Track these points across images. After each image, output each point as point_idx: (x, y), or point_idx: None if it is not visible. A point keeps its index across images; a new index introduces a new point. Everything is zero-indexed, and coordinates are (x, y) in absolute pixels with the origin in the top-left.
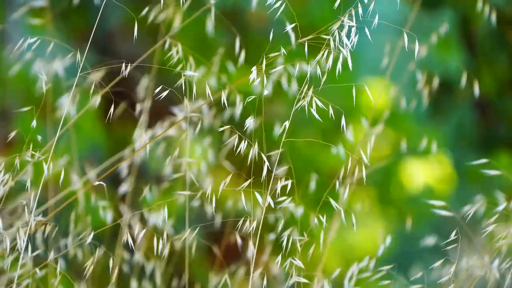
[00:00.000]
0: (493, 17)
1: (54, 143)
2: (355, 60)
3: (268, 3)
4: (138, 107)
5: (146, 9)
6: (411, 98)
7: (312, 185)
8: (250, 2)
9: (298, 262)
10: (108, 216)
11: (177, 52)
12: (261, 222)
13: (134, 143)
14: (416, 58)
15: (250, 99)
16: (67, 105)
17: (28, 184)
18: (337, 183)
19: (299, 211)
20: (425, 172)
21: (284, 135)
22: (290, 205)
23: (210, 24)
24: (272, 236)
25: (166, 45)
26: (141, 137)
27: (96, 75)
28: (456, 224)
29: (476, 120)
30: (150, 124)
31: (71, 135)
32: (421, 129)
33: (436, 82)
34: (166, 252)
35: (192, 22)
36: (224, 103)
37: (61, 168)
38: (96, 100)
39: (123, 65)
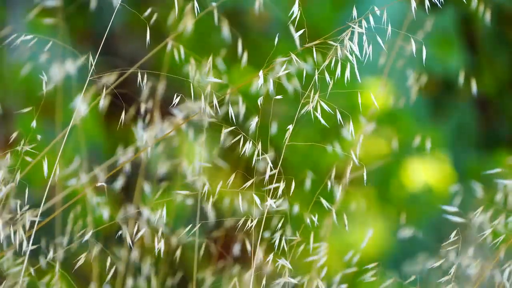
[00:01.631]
0: (488, 15)
1: (62, 144)
2: (355, 60)
3: (291, 12)
4: (140, 107)
5: (149, 10)
6: (411, 98)
7: (313, 185)
8: (250, 3)
9: (286, 262)
10: (107, 215)
11: (179, 54)
12: (263, 223)
13: (135, 143)
14: (416, 56)
15: (260, 101)
16: (77, 106)
17: (17, 180)
18: (330, 183)
19: (297, 211)
20: (425, 172)
21: (288, 138)
22: (289, 206)
23: (213, 26)
24: (271, 237)
25: (168, 47)
26: (142, 137)
27: (109, 78)
28: (456, 225)
29: (476, 119)
30: (150, 124)
31: (74, 135)
32: (421, 128)
33: (434, 80)
34: (163, 250)
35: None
36: (229, 104)
37: (62, 168)
38: (100, 101)
39: (139, 73)
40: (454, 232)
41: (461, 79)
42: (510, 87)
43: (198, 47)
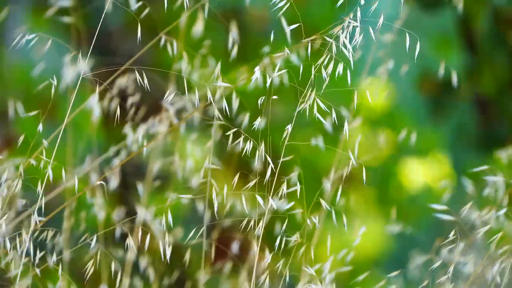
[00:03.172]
0: (486, 15)
1: (61, 144)
2: (354, 60)
3: (272, 1)
4: (130, 103)
5: (140, 3)
6: (411, 98)
7: (312, 185)
8: (249, 2)
9: (311, 271)
10: (109, 217)
11: (172, 48)
12: (262, 223)
13: (126, 138)
14: (415, 56)
15: (261, 101)
16: (91, 106)
17: (2, 183)
18: (328, 183)
19: (296, 211)
20: (425, 172)
21: (287, 137)
22: (289, 207)
23: (204, 22)
24: (272, 238)
25: (162, 42)
26: (134, 133)
27: (122, 81)
28: (455, 225)
29: (476, 120)
30: (145, 121)
31: (75, 135)
32: (421, 129)
33: (433, 80)
34: (167, 252)
35: (191, 21)
36: (229, 104)
37: (60, 167)
38: (93, 98)
39: (143, 76)
40: (452, 232)
41: (463, 79)
42: (510, 87)
43: (195, 46)
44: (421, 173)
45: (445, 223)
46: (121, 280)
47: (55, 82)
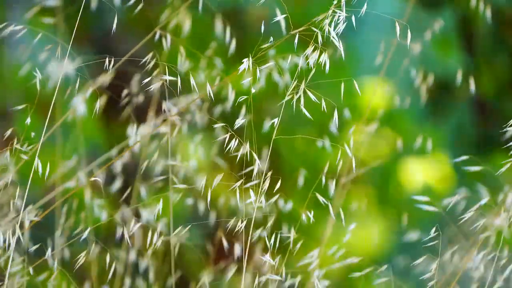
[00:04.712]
0: (488, 15)
1: (59, 141)
2: (353, 59)
3: None
4: (128, 102)
5: (140, 6)
6: (411, 97)
7: (312, 184)
8: (250, 2)
9: (267, 259)
10: (104, 214)
11: (166, 43)
12: (253, 220)
13: (128, 139)
14: (415, 56)
15: (242, 99)
16: (76, 105)
17: (11, 178)
18: (327, 180)
19: (289, 207)
20: (424, 172)
21: (275, 132)
22: (280, 203)
23: (197, 17)
24: (263, 234)
25: (157, 37)
26: (134, 134)
27: (104, 79)
28: (454, 224)
29: (475, 120)
30: (144, 120)
31: (70, 133)
32: (420, 129)
33: (433, 80)
34: (159, 249)
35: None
36: (229, 100)
37: (59, 166)
38: (92, 98)
39: (107, 60)
40: (435, 228)
41: (463, 80)
42: (509, 88)
43: (194, 44)
44: (421, 173)
45: (446, 222)
46: (114, 272)
47: (39, 76)
